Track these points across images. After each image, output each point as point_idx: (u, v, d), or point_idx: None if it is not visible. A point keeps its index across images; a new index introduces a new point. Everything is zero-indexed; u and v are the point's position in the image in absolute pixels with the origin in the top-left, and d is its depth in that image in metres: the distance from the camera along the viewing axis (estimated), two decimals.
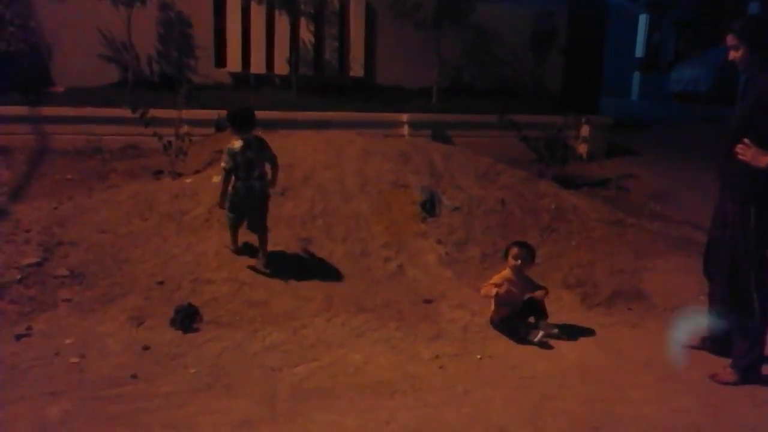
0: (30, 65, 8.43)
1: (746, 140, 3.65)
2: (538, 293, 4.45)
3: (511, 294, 4.40)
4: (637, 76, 18.82)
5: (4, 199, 5.64)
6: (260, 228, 4.90)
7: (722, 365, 3.93)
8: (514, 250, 4.49)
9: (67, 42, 8.66)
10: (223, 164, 4.83)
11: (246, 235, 5.05)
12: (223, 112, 5.32)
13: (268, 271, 4.84)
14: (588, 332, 4.47)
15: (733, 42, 3.79)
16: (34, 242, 4.85)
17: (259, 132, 5.15)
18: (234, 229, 4.96)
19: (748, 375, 3.85)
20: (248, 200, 4.84)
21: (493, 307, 4.46)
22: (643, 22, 19.02)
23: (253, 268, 4.85)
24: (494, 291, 4.37)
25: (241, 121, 4.84)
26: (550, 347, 4.23)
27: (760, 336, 3.85)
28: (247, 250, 5.02)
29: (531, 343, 4.24)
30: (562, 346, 4.26)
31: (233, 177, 4.81)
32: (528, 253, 4.53)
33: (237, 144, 4.80)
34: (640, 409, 3.54)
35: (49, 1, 8.61)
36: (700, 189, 7.39)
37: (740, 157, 3.67)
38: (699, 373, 3.93)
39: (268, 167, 4.97)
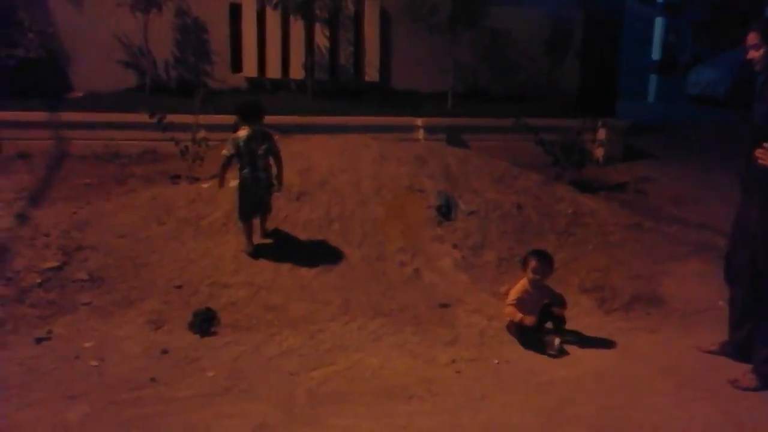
0: (49, 71, 8.53)
1: (766, 144, 3.62)
2: (558, 311, 4.36)
3: (529, 305, 4.33)
4: (653, 78, 18.70)
5: (25, 203, 5.70)
6: (266, 210, 5.18)
7: (743, 371, 3.89)
8: (533, 263, 4.34)
9: (85, 48, 8.75)
10: (224, 151, 4.97)
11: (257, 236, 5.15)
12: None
13: (267, 241, 5.17)
14: (606, 337, 4.44)
15: (754, 41, 3.75)
16: (53, 246, 4.90)
17: (276, 136, 5.18)
18: (248, 225, 5.05)
19: None
20: (256, 191, 4.99)
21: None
22: (659, 24, 18.92)
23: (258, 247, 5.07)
24: (518, 317, 4.26)
25: (248, 113, 5.00)
26: (566, 353, 4.19)
27: None
28: (263, 252, 5.04)
29: (551, 355, 4.17)
30: (579, 352, 4.23)
31: (239, 170, 4.95)
32: (547, 265, 4.41)
33: (242, 134, 4.94)
34: (658, 415, 3.52)
35: (68, 7, 8.72)
36: (719, 192, 7.33)
37: (760, 161, 3.63)
38: (718, 379, 3.88)
39: (273, 163, 5.09)
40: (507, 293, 4.50)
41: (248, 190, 4.98)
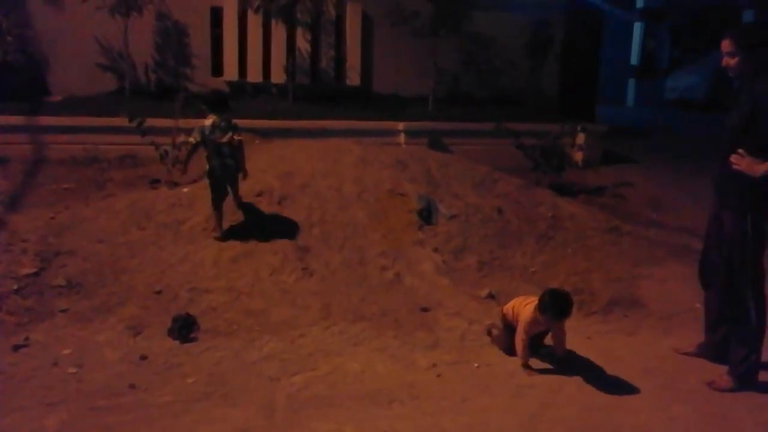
0: (27, 75, 8.45)
1: (740, 150, 3.67)
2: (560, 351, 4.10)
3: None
4: (632, 83, 18.89)
5: (1, 208, 5.64)
6: (234, 190, 5.36)
7: (719, 372, 3.94)
8: (552, 317, 3.92)
9: (64, 51, 8.69)
10: (190, 138, 5.22)
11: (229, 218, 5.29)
12: None
13: (240, 211, 5.39)
14: (585, 340, 4.47)
15: (728, 48, 3.79)
16: (31, 252, 4.85)
17: (257, 139, 5.20)
18: (219, 212, 5.23)
19: (745, 382, 3.86)
20: (225, 176, 5.22)
21: (501, 328, 4.23)
22: (638, 29, 19.11)
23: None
24: (525, 359, 4.03)
25: (213, 101, 5.29)
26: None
27: (757, 343, 3.86)
28: (232, 234, 5.19)
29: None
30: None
31: (207, 159, 5.17)
32: (567, 316, 4.01)
33: (207, 122, 5.16)
34: (637, 417, 3.55)
35: (47, 11, 8.64)
36: (697, 196, 7.39)
37: (735, 166, 3.69)
38: (696, 381, 3.93)
39: None
40: (502, 312, 4.22)
41: (218, 177, 5.18)
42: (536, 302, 3.95)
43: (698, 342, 4.26)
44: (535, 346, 4.14)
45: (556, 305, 3.90)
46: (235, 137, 5.18)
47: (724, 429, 3.50)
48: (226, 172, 5.19)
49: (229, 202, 5.35)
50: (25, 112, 7.63)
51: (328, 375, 3.86)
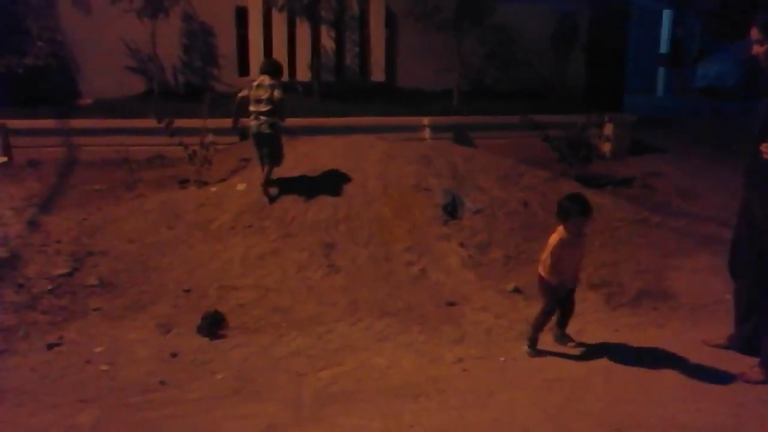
0: (58, 79, 8.63)
1: None
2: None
3: (566, 262, 3.99)
4: (661, 72, 18.58)
5: (35, 210, 5.78)
6: (269, 160, 5.64)
7: (750, 364, 3.89)
8: (579, 219, 3.90)
9: (93, 55, 8.86)
10: (241, 93, 5.70)
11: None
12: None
13: (267, 194, 5.62)
14: (613, 333, 4.44)
15: (757, 36, 3.74)
16: (64, 253, 4.97)
17: (283, 137, 5.30)
18: (261, 164, 5.73)
19: None
20: (257, 135, 5.59)
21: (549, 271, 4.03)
22: (666, 17, 18.79)
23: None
24: (556, 281, 3.98)
25: (264, 65, 5.82)
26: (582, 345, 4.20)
27: None
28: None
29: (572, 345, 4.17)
30: (586, 348, 4.24)
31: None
32: (591, 208, 4.00)
33: (256, 80, 5.64)
34: (665, 409, 3.52)
35: (76, 15, 8.81)
36: (727, 185, 7.26)
37: (765, 156, 3.63)
38: (726, 373, 3.88)
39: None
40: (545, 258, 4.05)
41: (252, 136, 5.67)
42: (560, 228, 4.00)
43: (728, 334, 4.20)
44: (561, 335, 4.19)
45: (575, 201, 3.98)
46: (275, 94, 5.51)
47: (754, 421, 3.45)
48: (258, 129, 5.56)
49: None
50: (56, 115, 7.80)
51: (354, 370, 3.89)
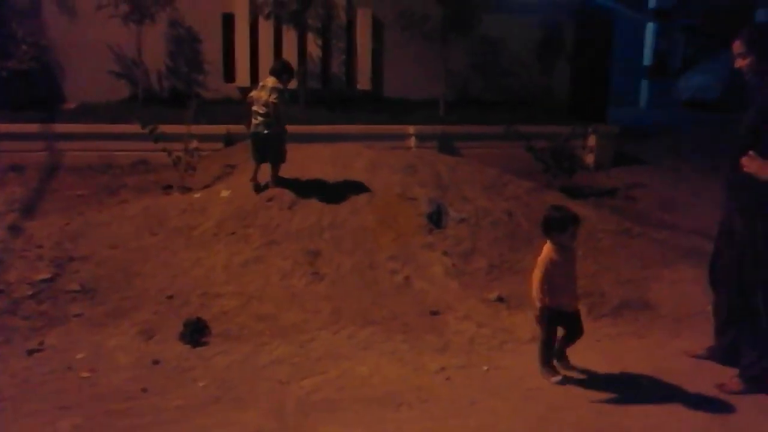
0: (42, 83, 8.58)
1: (751, 152, 3.66)
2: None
3: (559, 281, 3.78)
4: (645, 84, 18.80)
5: (17, 215, 5.73)
6: (270, 159, 5.80)
7: (730, 375, 3.93)
8: (571, 229, 3.74)
9: (78, 59, 8.81)
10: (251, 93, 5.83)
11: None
12: (232, 127, 5.72)
13: (273, 190, 5.75)
14: (595, 343, 4.46)
15: (740, 49, 3.78)
16: (46, 258, 4.92)
17: None
18: (255, 163, 5.82)
19: (756, 385, 3.85)
20: (256, 139, 5.72)
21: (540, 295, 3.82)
22: (650, 30, 19.03)
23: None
24: (544, 302, 3.79)
25: (273, 68, 5.94)
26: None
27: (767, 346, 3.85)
28: (260, 188, 5.74)
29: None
30: (569, 358, 4.26)
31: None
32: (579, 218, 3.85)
33: (262, 81, 5.79)
34: (647, 419, 3.54)
35: (61, 19, 8.77)
36: (709, 197, 7.37)
37: (746, 169, 3.68)
38: (707, 383, 3.91)
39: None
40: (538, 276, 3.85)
41: (251, 136, 5.78)
42: (547, 245, 3.80)
43: (709, 345, 4.25)
44: (560, 356, 3.99)
45: (562, 210, 3.86)
46: (270, 99, 5.58)
47: (733, 431, 3.49)
48: (256, 135, 5.69)
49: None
50: (40, 119, 7.74)
51: (337, 379, 3.89)
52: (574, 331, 3.94)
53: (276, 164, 5.82)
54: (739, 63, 3.81)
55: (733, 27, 4.12)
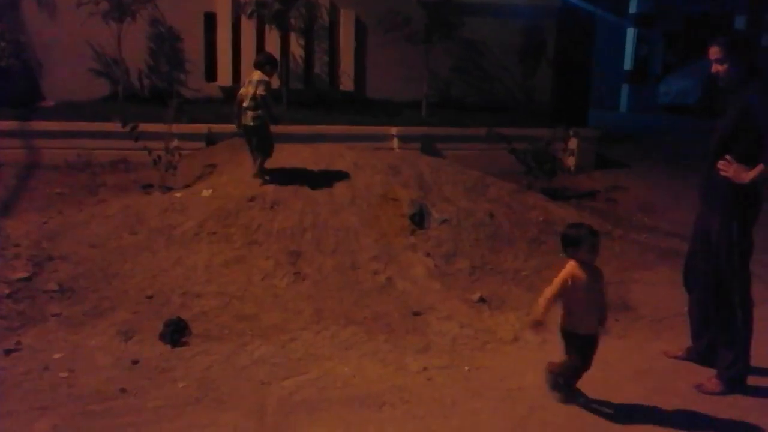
0: (21, 80, 8.46)
1: (728, 157, 3.71)
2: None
3: (581, 299, 3.56)
4: (626, 88, 18.97)
5: None
6: (258, 152, 5.94)
7: (708, 376, 3.97)
8: (590, 241, 3.55)
9: (57, 57, 8.70)
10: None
11: None
12: (214, 126, 5.68)
13: (259, 180, 5.90)
14: None
15: (717, 55, 3.83)
16: (23, 257, 4.86)
17: None
18: (250, 150, 6.01)
19: (733, 386, 3.89)
20: (245, 130, 5.88)
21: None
22: (631, 34, 19.21)
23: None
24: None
25: (257, 61, 6.06)
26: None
27: (744, 346, 3.89)
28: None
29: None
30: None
31: None
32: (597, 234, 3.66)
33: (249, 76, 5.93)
34: (627, 419, 3.57)
35: (41, 16, 8.66)
36: (687, 200, 7.43)
37: (722, 173, 3.72)
38: (685, 384, 3.96)
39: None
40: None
41: (241, 126, 5.91)
42: (569, 263, 3.56)
43: (687, 345, 4.29)
44: (574, 394, 3.72)
45: (580, 225, 3.68)
46: (258, 92, 5.71)
47: (711, 431, 3.53)
48: (245, 128, 5.84)
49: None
50: (18, 117, 7.64)
51: (318, 379, 3.88)
52: (586, 357, 3.63)
53: (263, 155, 5.93)
54: (716, 68, 3.85)
55: (713, 33, 4.17)
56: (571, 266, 3.57)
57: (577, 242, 3.57)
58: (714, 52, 3.84)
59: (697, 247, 4.07)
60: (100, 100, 8.71)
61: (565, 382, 3.69)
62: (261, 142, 5.89)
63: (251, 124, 5.79)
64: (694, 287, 4.14)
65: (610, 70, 17.35)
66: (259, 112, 5.77)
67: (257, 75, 5.82)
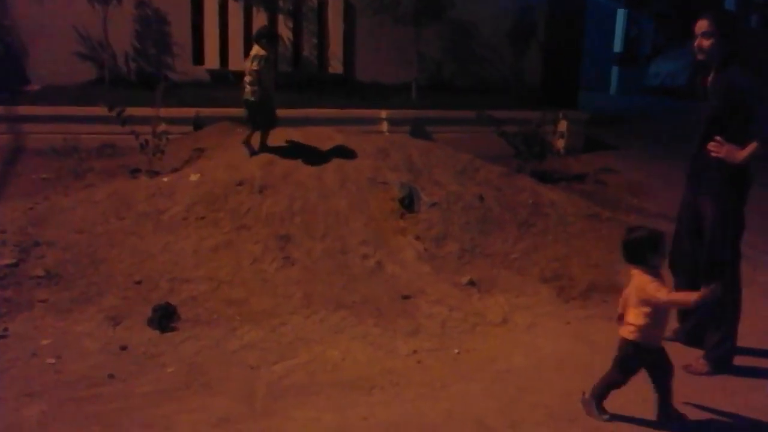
0: (5, 64, 8.36)
1: (718, 138, 3.70)
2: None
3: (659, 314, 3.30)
4: (615, 70, 18.96)
5: None
6: (258, 126, 6.02)
7: (695, 356, 3.99)
8: (663, 245, 3.34)
9: (42, 40, 8.60)
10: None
11: None
12: (201, 110, 5.67)
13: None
14: (564, 325, 4.52)
15: (706, 28, 3.76)
16: (9, 243, 4.81)
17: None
18: (249, 128, 6.10)
19: (721, 366, 3.92)
20: (245, 104, 5.94)
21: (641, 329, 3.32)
22: (621, 16, 19.17)
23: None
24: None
25: (256, 34, 6.03)
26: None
27: (732, 327, 3.92)
28: (254, 153, 5.97)
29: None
30: (539, 340, 4.30)
31: None
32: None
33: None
34: (615, 401, 3.58)
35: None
36: (676, 182, 7.45)
37: (713, 154, 3.72)
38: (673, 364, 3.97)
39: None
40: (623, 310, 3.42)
41: (243, 102, 5.99)
42: (641, 271, 3.32)
43: (675, 327, 4.31)
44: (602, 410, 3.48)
45: (644, 230, 3.44)
46: (252, 67, 5.76)
47: (700, 412, 3.55)
48: (245, 102, 5.91)
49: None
50: (3, 101, 7.56)
51: (308, 363, 3.88)
52: (666, 367, 3.41)
53: (263, 130, 6.03)
54: (700, 42, 3.79)
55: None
56: (643, 278, 3.30)
57: (655, 246, 3.31)
58: (702, 25, 3.79)
59: (684, 230, 4.07)
60: (86, 84, 8.63)
61: (598, 396, 3.48)
62: (261, 117, 5.97)
63: (250, 99, 5.88)
64: (679, 268, 4.15)
65: (600, 52, 17.31)
66: (256, 87, 5.83)
67: (255, 49, 5.88)
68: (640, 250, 3.34)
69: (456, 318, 4.52)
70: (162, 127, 6.43)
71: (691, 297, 3.32)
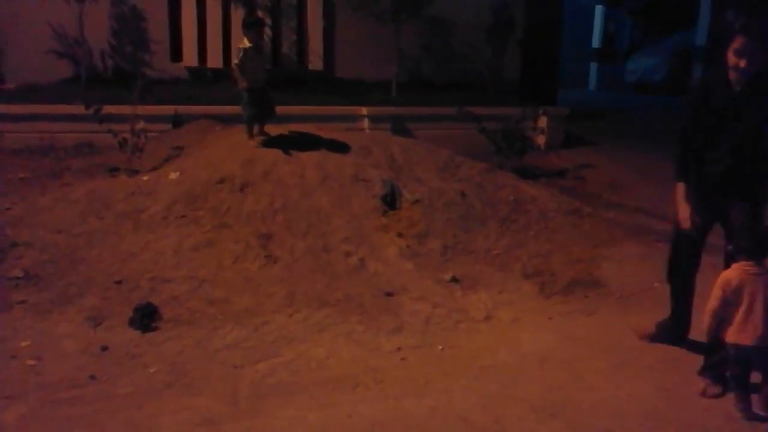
0: None
1: None
2: None
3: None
4: (594, 66, 19.10)
5: None
6: (245, 120, 6.13)
7: (676, 352, 4.02)
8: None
9: (17, 38, 8.46)
10: None
11: None
12: (180, 108, 5.63)
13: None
14: (547, 321, 4.54)
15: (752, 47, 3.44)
16: None
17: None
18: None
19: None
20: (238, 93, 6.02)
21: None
22: (599, 13, 19.31)
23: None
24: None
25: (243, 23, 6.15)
26: None
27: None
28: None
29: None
30: (521, 335, 4.33)
31: None
32: None
33: None
34: (597, 394, 3.62)
35: None
36: (655, 178, 7.55)
37: None
38: (653, 358, 4.02)
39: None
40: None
41: None
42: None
43: (656, 321, 4.33)
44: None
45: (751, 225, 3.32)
46: (234, 60, 5.89)
47: (681, 404, 3.58)
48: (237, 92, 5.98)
49: None
50: None
51: (291, 362, 3.86)
52: None
53: (246, 122, 6.12)
54: (742, 63, 3.48)
55: (678, 11, 4.06)
56: (732, 279, 3.26)
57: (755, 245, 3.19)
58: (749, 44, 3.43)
59: (698, 235, 3.86)
60: (62, 82, 8.51)
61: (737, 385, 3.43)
62: (248, 109, 6.01)
63: (240, 92, 5.93)
64: (688, 274, 4.01)
65: (578, 48, 17.44)
66: (240, 79, 5.88)
67: (243, 41, 5.91)
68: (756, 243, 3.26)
69: (439, 315, 4.52)
70: (141, 124, 6.37)
71: None
